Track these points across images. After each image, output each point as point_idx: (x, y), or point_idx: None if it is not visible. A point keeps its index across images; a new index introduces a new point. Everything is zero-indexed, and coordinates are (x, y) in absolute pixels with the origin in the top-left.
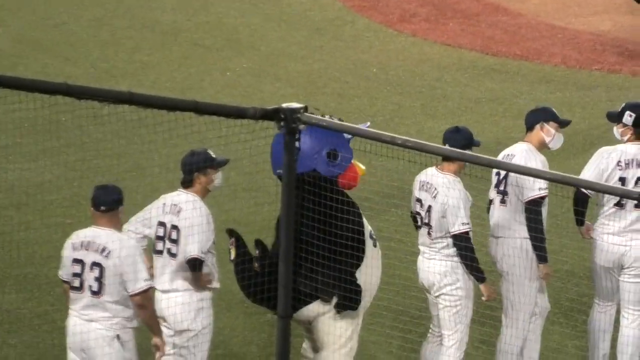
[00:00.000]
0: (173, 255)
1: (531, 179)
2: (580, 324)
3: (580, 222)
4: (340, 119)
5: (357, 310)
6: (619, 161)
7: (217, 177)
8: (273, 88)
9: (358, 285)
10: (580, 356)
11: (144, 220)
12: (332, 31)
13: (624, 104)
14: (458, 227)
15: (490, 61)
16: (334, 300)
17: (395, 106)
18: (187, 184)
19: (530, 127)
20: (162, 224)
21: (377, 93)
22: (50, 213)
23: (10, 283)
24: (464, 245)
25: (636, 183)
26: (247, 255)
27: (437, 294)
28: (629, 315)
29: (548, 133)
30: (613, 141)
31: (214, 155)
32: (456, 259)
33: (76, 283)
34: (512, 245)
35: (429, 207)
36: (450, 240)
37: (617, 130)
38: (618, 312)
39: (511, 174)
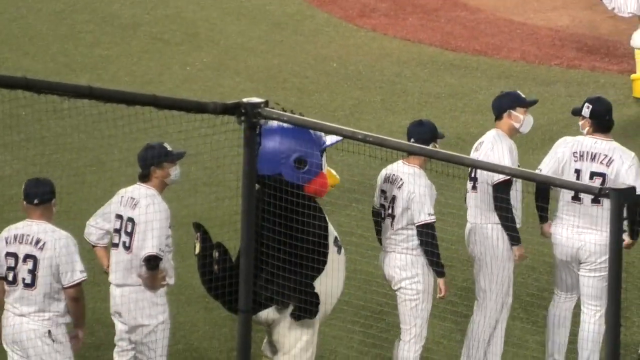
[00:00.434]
0: (128, 248)
1: (497, 161)
2: (541, 319)
3: (543, 219)
4: (300, 114)
5: (314, 318)
6: (574, 152)
7: (174, 171)
8: (233, 82)
9: (316, 295)
10: (541, 351)
11: (105, 215)
12: (292, 26)
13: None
14: (423, 217)
15: (449, 56)
16: (291, 307)
17: (355, 101)
18: (144, 178)
19: (498, 116)
20: (119, 216)
21: (337, 88)
22: (10, 208)
23: None
24: (429, 235)
25: (590, 178)
26: (210, 250)
27: (396, 287)
28: (589, 310)
29: (516, 119)
30: (573, 134)
31: (170, 149)
32: (416, 252)
33: (10, 277)
34: (484, 230)
35: (394, 197)
36: (410, 233)
37: (580, 124)
38: (578, 306)
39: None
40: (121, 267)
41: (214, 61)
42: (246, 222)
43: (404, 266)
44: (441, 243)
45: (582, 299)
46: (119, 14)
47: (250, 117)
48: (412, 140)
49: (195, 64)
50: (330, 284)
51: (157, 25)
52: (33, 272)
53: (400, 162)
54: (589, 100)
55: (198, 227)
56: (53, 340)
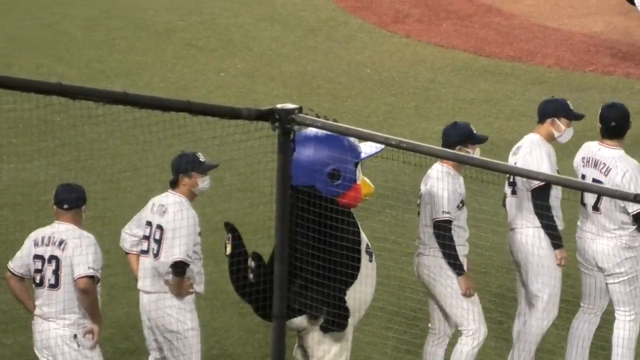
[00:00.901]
0: (156, 255)
1: (535, 166)
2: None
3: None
4: (334, 120)
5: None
6: (583, 157)
7: (203, 182)
8: (266, 88)
9: (346, 308)
10: None
11: (138, 222)
12: (325, 32)
13: None
14: (438, 215)
15: (483, 62)
16: (321, 319)
17: (388, 107)
18: (173, 185)
19: (541, 120)
20: (149, 223)
21: (370, 94)
22: (45, 213)
23: (6, 283)
24: (441, 235)
25: None
26: (244, 255)
27: (434, 291)
28: (619, 316)
29: (558, 129)
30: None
31: (202, 159)
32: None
33: (37, 279)
34: (525, 234)
35: (421, 194)
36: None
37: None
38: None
39: (518, 165)
40: (149, 273)
41: (248, 67)
42: (280, 228)
43: (434, 268)
44: (475, 249)
45: (614, 306)
46: (153, 20)
47: (284, 123)
48: (442, 141)
49: (229, 70)
50: (362, 291)
51: (192, 31)
52: (56, 272)
53: (437, 161)
54: (603, 105)
55: (230, 228)
56: (79, 345)
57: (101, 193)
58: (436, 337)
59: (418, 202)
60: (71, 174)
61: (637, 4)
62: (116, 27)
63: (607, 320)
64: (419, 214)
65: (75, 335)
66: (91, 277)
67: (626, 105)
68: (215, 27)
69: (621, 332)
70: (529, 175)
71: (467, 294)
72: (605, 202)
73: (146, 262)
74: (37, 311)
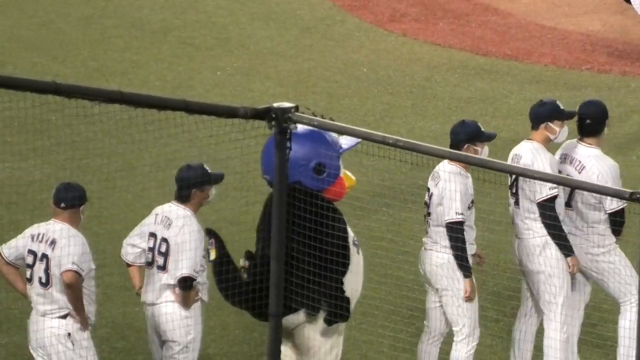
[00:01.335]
0: (161, 268)
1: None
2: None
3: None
4: (331, 119)
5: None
6: (562, 154)
7: (212, 193)
8: (263, 87)
9: (347, 298)
10: None
11: (141, 234)
12: (322, 30)
13: None
14: (451, 216)
15: (480, 61)
16: (321, 313)
17: (385, 106)
18: (183, 198)
19: (535, 126)
20: (153, 234)
21: (367, 93)
22: (40, 212)
23: (1, 282)
24: (454, 235)
25: None
26: (226, 256)
27: (438, 287)
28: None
29: (552, 131)
30: (604, 141)
31: (210, 171)
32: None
33: (28, 274)
34: (533, 244)
35: (432, 194)
36: (445, 231)
37: None
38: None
39: (520, 177)
40: (155, 287)
41: (244, 66)
42: (277, 227)
43: (441, 265)
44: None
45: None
46: (149, 18)
47: (280, 122)
48: (450, 139)
49: (225, 68)
50: (354, 282)
51: (187, 30)
52: (47, 271)
53: (445, 160)
54: (582, 102)
55: (212, 233)
56: (73, 344)
57: (97, 192)
58: (431, 335)
59: (426, 201)
60: (67, 172)
61: (633, 3)
62: (112, 26)
63: (601, 318)
64: (428, 214)
65: (69, 334)
66: (75, 271)
67: (623, 102)
68: (211, 25)
69: (619, 322)
70: (527, 174)
71: (469, 298)
72: (579, 199)
73: (151, 275)
74: (33, 309)
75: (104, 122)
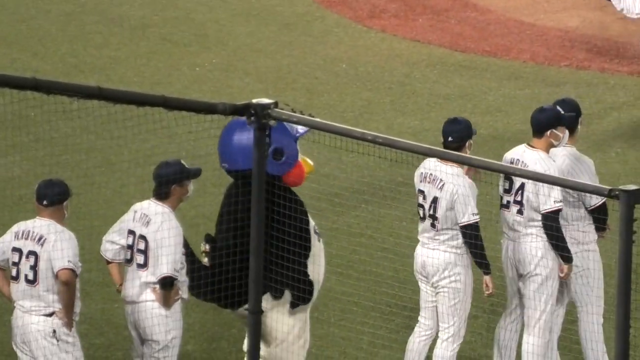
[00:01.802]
0: (141, 266)
1: (546, 191)
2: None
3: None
4: (311, 115)
5: (308, 303)
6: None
7: (191, 188)
8: (242, 83)
9: (310, 281)
10: None
11: (120, 231)
12: (301, 27)
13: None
14: (468, 218)
15: (459, 57)
16: (285, 296)
17: (364, 102)
18: (162, 195)
19: (539, 134)
20: (131, 232)
21: (346, 89)
22: (20, 208)
23: None
24: (474, 236)
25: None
26: (191, 256)
27: (436, 285)
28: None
29: (556, 137)
30: (583, 138)
31: (187, 166)
32: (459, 251)
33: (14, 272)
34: (534, 247)
35: (435, 198)
36: (455, 232)
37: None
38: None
39: (528, 187)
40: (135, 284)
41: (223, 62)
42: (256, 223)
43: (446, 265)
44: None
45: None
46: (128, 15)
47: (259, 118)
48: (449, 138)
49: (204, 65)
50: (316, 269)
51: (166, 26)
52: (34, 268)
53: (434, 161)
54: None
55: (209, 239)
56: (58, 340)
57: (75, 188)
58: (426, 332)
59: (421, 204)
60: (45, 169)
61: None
62: (91, 22)
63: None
64: (430, 216)
65: (54, 331)
66: (71, 269)
67: (602, 99)
68: (190, 22)
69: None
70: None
71: (492, 294)
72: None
73: (130, 272)
74: (16, 306)
75: (82, 118)
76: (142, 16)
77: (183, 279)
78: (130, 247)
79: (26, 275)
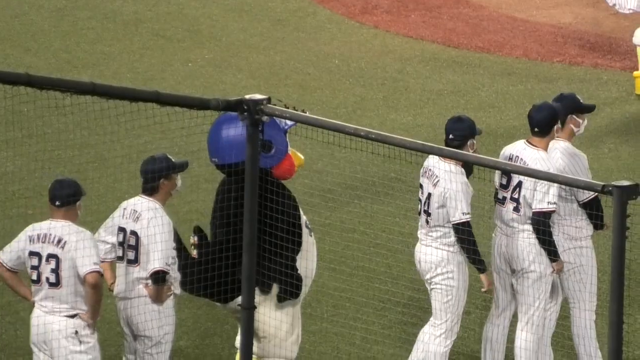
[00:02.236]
0: (131, 262)
1: (545, 190)
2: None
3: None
4: (303, 111)
5: (297, 299)
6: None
7: (179, 181)
8: (235, 79)
9: (298, 276)
10: None
11: (108, 228)
12: (293, 22)
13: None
14: (459, 217)
15: (452, 53)
16: (274, 290)
17: (357, 98)
18: (151, 190)
19: (543, 134)
20: (121, 229)
21: (339, 85)
22: (12, 204)
23: None
24: (466, 233)
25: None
26: (183, 251)
27: (430, 282)
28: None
29: (554, 134)
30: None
31: (174, 159)
32: (452, 249)
33: (34, 276)
34: (530, 243)
35: (429, 194)
36: (447, 230)
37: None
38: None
39: (526, 184)
40: (127, 280)
41: (216, 58)
42: (249, 219)
43: (439, 262)
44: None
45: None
46: (121, 10)
47: (252, 113)
48: (450, 136)
49: (197, 60)
50: (305, 265)
51: (159, 21)
52: (56, 271)
53: (436, 157)
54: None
55: (197, 230)
56: (80, 342)
57: None
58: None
59: (420, 198)
60: (38, 164)
61: None
62: (84, 18)
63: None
64: (425, 212)
65: (76, 332)
66: (98, 272)
67: (595, 95)
68: (183, 17)
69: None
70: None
71: (489, 290)
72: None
73: (122, 269)
74: (37, 306)
75: (75, 114)
76: (135, 12)
77: (175, 274)
78: (121, 243)
79: (48, 279)
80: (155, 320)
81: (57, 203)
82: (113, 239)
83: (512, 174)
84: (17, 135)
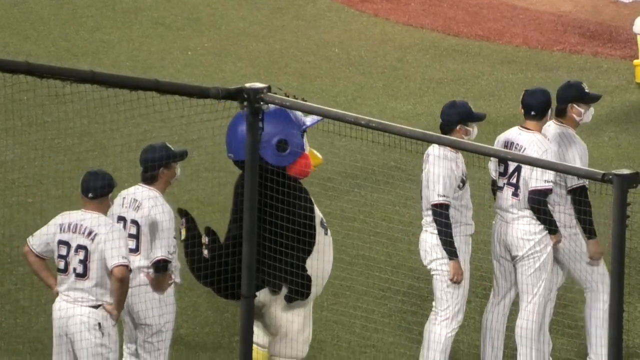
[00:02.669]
0: (133, 251)
1: (539, 170)
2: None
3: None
4: (303, 99)
5: (307, 299)
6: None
7: (178, 170)
8: (234, 67)
9: (308, 277)
10: None
11: (109, 217)
12: (293, 11)
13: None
14: (434, 198)
15: (452, 41)
16: (283, 290)
17: (357, 86)
18: (150, 179)
19: (541, 116)
20: (121, 218)
21: (339, 73)
22: (12, 192)
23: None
24: (438, 218)
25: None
26: (198, 237)
27: (429, 268)
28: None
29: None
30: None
31: (173, 148)
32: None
33: (61, 265)
34: (529, 230)
35: (422, 178)
36: None
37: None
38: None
39: (524, 168)
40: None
41: (216, 46)
42: (249, 208)
43: (434, 247)
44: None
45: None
46: None
47: (252, 102)
48: (441, 120)
49: (196, 49)
50: (319, 265)
51: (159, 9)
52: (84, 262)
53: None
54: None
55: (183, 213)
56: (102, 334)
57: (68, 172)
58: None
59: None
60: (38, 153)
61: None
62: (83, 6)
63: (572, 299)
64: (420, 196)
65: (99, 324)
66: (126, 266)
67: (595, 83)
68: (183, 5)
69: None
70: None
71: (455, 280)
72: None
73: None
74: (60, 295)
75: (75, 102)
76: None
77: (176, 263)
78: None
79: (75, 269)
80: (156, 309)
81: (90, 195)
82: None
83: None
84: (17, 124)
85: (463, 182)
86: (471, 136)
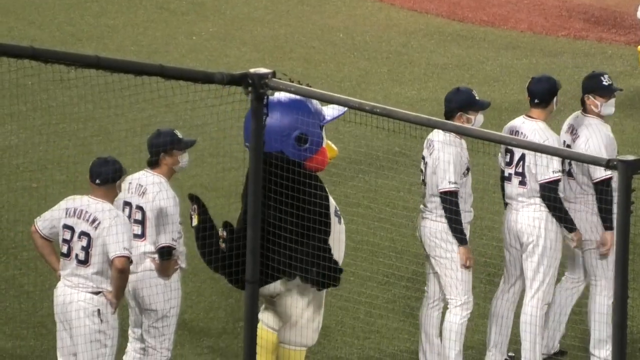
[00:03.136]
0: (139, 236)
1: (545, 161)
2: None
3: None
4: (308, 85)
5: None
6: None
7: (183, 159)
8: (239, 52)
9: (336, 262)
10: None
11: (115, 202)
12: None
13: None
14: (444, 185)
15: (456, 27)
16: (297, 279)
17: (362, 72)
18: (153, 164)
19: (547, 103)
20: (127, 203)
21: (343, 58)
22: (16, 177)
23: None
24: (450, 203)
25: (519, 161)
26: (209, 222)
27: (434, 256)
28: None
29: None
30: (578, 107)
31: (180, 136)
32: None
33: (65, 249)
34: (536, 217)
35: (426, 163)
36: (440, 200)
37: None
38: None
39: (528, 157)
40: (133, 253)
41: (220, 31)
42: (253, 194)
43: (437, 233)
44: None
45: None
46: None
47: (257, 88)
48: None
49: (201, 33)
50: (335, 251)
51: None
52: (87, 249)
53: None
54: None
55: (193, 198)
56: (101, 321)
57: (72, 157)
58: (430, 300)
59: (422, 169)
60: (43, 137)
61: None
62: None
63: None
64: (423, 181)
65: (99, 311)
66: (127, 257)
67: (599, 69)
68: None
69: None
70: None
71: (467, 265)
72: (575, 167)
73: None
74: (62, 280)
75: (80, 87)
76: None
77: (181, 248)
78: (127, 218)
79: (77, 255)
80: (162, 294)
81: (98, 181)
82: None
83: (514, 150)
84: (22, 109)
85: (468, 169)
86: (474, 124)
